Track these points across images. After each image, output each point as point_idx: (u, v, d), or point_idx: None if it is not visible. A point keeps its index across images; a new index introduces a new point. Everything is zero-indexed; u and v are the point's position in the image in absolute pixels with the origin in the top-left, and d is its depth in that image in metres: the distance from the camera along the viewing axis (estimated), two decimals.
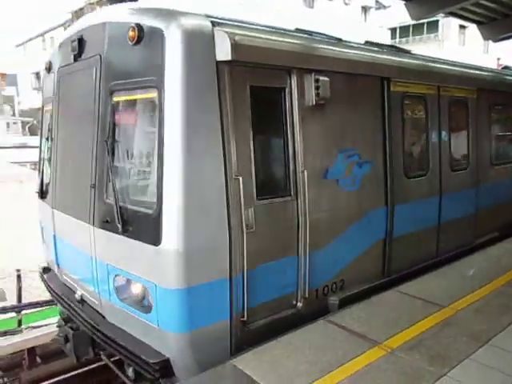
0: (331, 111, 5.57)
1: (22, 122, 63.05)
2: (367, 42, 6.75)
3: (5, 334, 8.46)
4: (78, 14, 42.14)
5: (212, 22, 4.56)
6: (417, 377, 4.13)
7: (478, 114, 8.20)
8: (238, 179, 4.62)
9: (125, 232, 4.72)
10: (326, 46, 5.61)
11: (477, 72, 8.59)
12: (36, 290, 10.59)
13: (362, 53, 6.10)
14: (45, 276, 7.00)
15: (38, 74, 58.22)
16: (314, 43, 5.51)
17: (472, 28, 23.32)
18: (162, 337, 4.61)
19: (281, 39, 5.14)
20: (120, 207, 4.74)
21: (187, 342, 4.51)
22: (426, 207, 7.16)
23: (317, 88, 5.25)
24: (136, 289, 4.84)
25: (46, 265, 7.20)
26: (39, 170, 7.05)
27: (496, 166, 8.95)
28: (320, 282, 5.62)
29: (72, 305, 5.91)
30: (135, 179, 4.93)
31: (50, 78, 6.55)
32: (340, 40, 6.08)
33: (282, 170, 5.22)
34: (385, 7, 55.06)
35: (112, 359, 5.72)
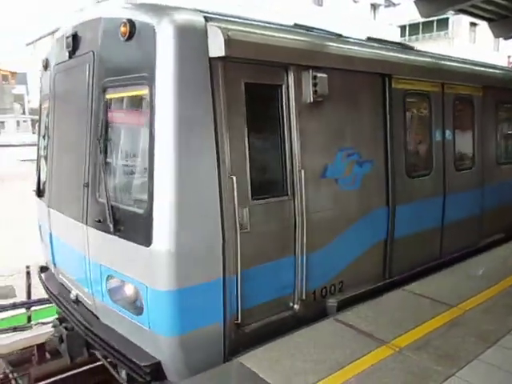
0: (330, 109, 5.44)
1: (32, 120, 63.59)
2: (369, 39, 6.59)
3: (15, 329, 8.60)
4: None
5: (205, 17, 4.44)
6: (424, 376, 4.08)
7: (483, 112, 8.01)
8: (232, 178, 4.51)
9: (116, 232, 4.63)
10: (324, 42, 5.47)
11: (483, 69, 8.39)
12: None
13: (362, 49, 5.94)
14: (42, 275, 6.95)
15: None
16: (312, 39, 5.37)
17: (482, 25, 23.00)
18: (153, 339, 4.51)
19: (277, 35, 5.01)
20: (112, 206, 4.65)
21: (179, 345, 4.40)
22: (429, 207, 6.99)
23: (314, 85, 5.12)
24: (128, 290, 4.74)
25: (44, 264, 7.15)
26: (37, 169, 6.99)
27: (502, 166, 8.75)
28: (318, 283, 5.49)
29: (67, 305, 5.84)
30: (127, 178, 4.84)
31: (46, 75, 6.48)
32: (340, 36, 5.93)
33: (279, 169, 5.10)
34: (394, 5, 54.54)
35: (109, 359, 5.65)
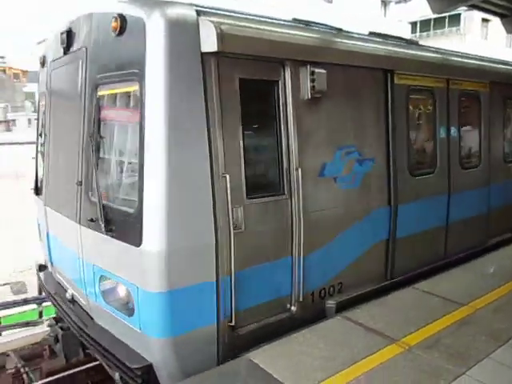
0: (329, 105, 5.29)
1: None
2: (371, 33, 6.42)
3: (27, 324, 8.71)
4: None
5: (197, 10, 4.32)
6: (435, 375, 4.04)
7: (490, 109, 7.79)
8: (225, 177, 4.39)
9: (108, 231, 4.54)
10: (322, 37, 5.31)
11: (490, 64, 8.16)
12: None
13: (363, 44, 5.77)
14: (40, 274, 6.90)
15: None
16: (310, 33, 5.21)
17: (495, 21, 22.59)
18: (145, 341, 4.42)
19: (273, 29, 4.86)
20: (103, 205, 4.55)
21: (170, 348, 4.30)
22: (434, 206, 6.81)
23: (312, 81, 4.98)
24: (120, 291, 4.66)
25: (43, 262, 7.10)
26: (35, 166, 6.94)
27: (510, 164, 8.51)
28: (316, 284, 5.36)
29: (62, 304, 5.78)
30: (118, 177, 4.74)
31: (43, 72, 6.42)
32: (340, 30, 5.77)
33: (275, 167, 4.97)
34: (405, 1, 54.01)
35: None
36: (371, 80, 5.82)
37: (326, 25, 5.72)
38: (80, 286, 5.38)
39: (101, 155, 4.68)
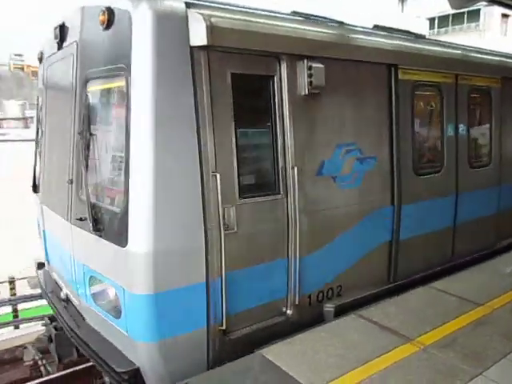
0: (327, 102, 5.08)
1: None
2: (376, 27, 6.18)
3: (42, 318, 8.48)
4: None
5: (186, 3, 4.15)
6: (450, 375, 3.99)
7: (502, 105, 7.47)
8: (216, 176, 4.23)
9: (96, 231, 4.42)
10: (321, 30, 5.09)
11: (502, 59, 7.83)
12: None
13: (364, 37, 5.53)
14: (39, 271, 6.84)
15: None
16: (308, 26, 5.00)
17: None
18: (132, 345, 4.29)
19: (268, 22, 4.67)
20: (92, 204, 4.43)
21: (157, 352, 4.16)
22: (440, 207, 6.55)
23: (310, 76, 4.78)
24: (108, 292, 4.54)
25: (41, 260, 7.04)
26: (33, 164, 6.87)
27: None
28: (314, 287, 5.17)
29: (56, 304, 5.70)
30: (106, 175, 4.61)
31: (41, 68, 6.34)
32: (341, 23, 5.55)
33: (270, 166, 4.79)
34: None
35: None
36: (373, 75, 5.58)
37: (326, 18, 5.50)
38: (72, 285, 5.29)
39: (90, 153, 4.55)
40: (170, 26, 4.01)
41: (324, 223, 5.17)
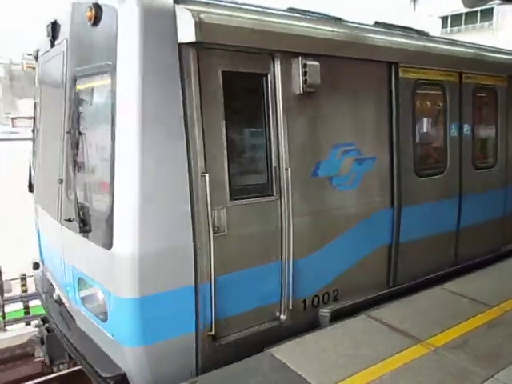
0: (323, 101, 4.93)
1: None
2: (377, 23, 6.00)
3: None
4: None
5: None
6: (461, 377, 3.96)
7: (508, 105, 7.24)
8: (204, 177, 4.10)
9: (83, 232, 4.32)
10: (317, 26, 4.93)
11: (509, 57, 7.59)
12: None
13: (363, 34, 5.37)
14: (35, 272, 6.79)
15: None
16: (303, 23, 4.85)
17: None
18: (118, 349, 4.19)
19: (261, 18, 4.53)
20: (79, 205, 4.33)
21: (144, 357, 4.05)
22: (442, 210, 6.36)
23: (304, 74, 4.63)
24: (95, 295, 4.45)
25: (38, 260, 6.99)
26: (29, 163, 6.81)
27: None
28: (308, 292, 5.03)
29: (48, 305, 5.62)
30: (93, 175, 4.51)
31: (37, 66, 6.27)
32: (339, 20, 5.39)
33: (263, 166, 4.66)
34: None
35: None
36: (373, 73, 5.41)
37: (324, 14, 5.36)
38: (63, 287, 5.21)
39: (78, 152, 4.45)
40: (156, 22, 3.89)
41: (319, 226, 5.02)
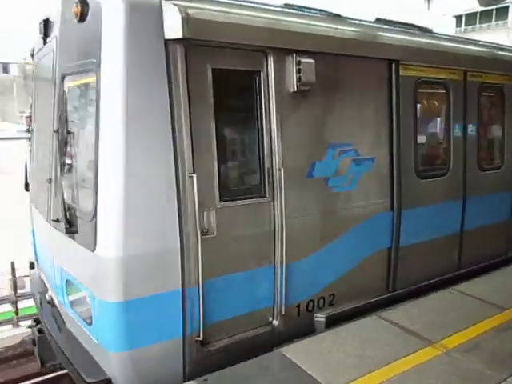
0: (319, 99, 4.77)
1: None
2: (378, 20, 5.82)
3: None
4: None
5: None
6: (473, 380, 3.90)
7: None
8: (192, 177, 3.97)
9: (69, 233, 4.23)
10: (311, 22, 4.76)
11: None
12: None
13: (362, 30, 5.18)
14: (31, 271, 6.73)
15: None
16: (298, 19, 4.69)
17: None
18: (103, 354, 4.08)
19: (253, 14, 4.38)
20: (65, 205, 4.23)
21: (128, 363, 3.94)
22: (445, 212, 6.14)
23: (298, 71, 4.48)
24: (82, 298, 4.35)
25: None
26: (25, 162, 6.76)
27: None
28: (303, 296, 4.88)
29: (42, 305, 5.55)
30: (78, 175, 4.41)
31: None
32: (338, 16, 5.23)
33: (255, 167, 4.52)
34: None
35: None
36: (372, 71, 5.23)
37: (321, 10, 5.19)
38: (54, 288, 5.13)
39: (65, 152, 4.36)
40: (142, 18, 3.77)
41: (314, 228, 4.87)
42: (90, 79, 3.96)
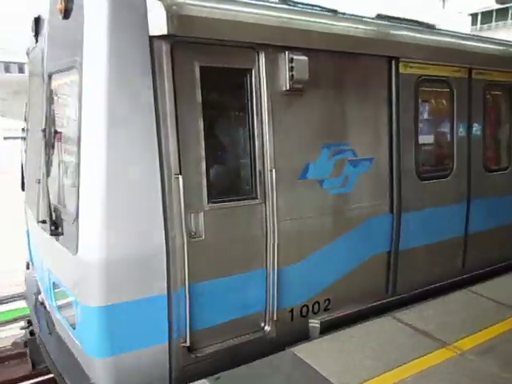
0: (313, 98, 4.61)
1: None
2: (378, 16, 5.64)
3: None
4: None
5: None
6: (489, 383, 3.85)
7: None
8: (178, 178, 3.85)
9: (54, 235, 4.14)
10: (306, 18, 4.61)
11: None
12: None
13: (359, 26, 5.01)
14: (27, 271, 6.67)
15: None
16: (290, 14, 4.54)
17: None
18: (87, 360, 3.98)
19: (244, 9, 4.24)
20: (50, 206, 4.14)
21: (112, 369, 3.82)
22: (448, 215, 5.93)
23: (291, 69, 4.33)
24: (67, 301, 4.25)
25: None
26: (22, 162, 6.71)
27: None
28: (296, 301, 4.73)
29: (32, 307, 5.49)
30: (62, 175, 4.32)
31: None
32: (335, 12, 5.06)
33: (246, 168, 4.38)
34: None
35: None
36: (370, 68, 5.05)
37: (318, 6, 5.03)
38: (45, 290, 5.06)
39: (50, 152, 4.27)
40: (125, 14, 3.65)
41: (308, 231, 4.71)
42: (74, 78, 3.85)
